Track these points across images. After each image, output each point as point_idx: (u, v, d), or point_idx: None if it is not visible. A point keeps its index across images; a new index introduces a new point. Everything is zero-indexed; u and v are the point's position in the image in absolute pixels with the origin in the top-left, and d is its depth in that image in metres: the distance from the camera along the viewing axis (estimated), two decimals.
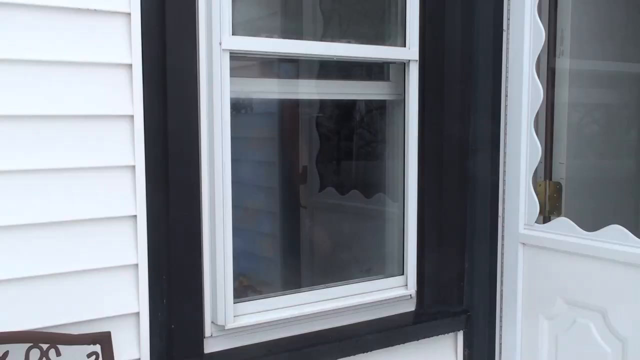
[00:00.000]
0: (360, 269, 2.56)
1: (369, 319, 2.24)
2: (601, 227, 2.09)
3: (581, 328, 2.17)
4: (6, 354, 1.57)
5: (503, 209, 2.38)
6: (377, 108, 2.52)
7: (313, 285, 2.25)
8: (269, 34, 2.09)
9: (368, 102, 2.63)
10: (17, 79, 1.59)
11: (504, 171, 2.36)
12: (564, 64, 2.55)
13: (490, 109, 2.34)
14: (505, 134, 2.35)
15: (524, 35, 2.26)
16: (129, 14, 1.71)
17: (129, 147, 1.74)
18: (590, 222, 2.15)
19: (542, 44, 2.24)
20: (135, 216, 1.75)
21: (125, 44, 1.71)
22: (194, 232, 1.86)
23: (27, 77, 1.60)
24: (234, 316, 1.93)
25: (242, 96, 2.04)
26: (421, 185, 2.28)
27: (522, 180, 2.31)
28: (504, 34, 2.32)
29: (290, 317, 2.05)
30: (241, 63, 1.96)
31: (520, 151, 2.30)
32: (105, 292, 1.74)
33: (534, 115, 2.28)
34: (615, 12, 2.81)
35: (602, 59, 2.77)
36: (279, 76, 2.19)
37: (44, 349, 1.59)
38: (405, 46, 2.21)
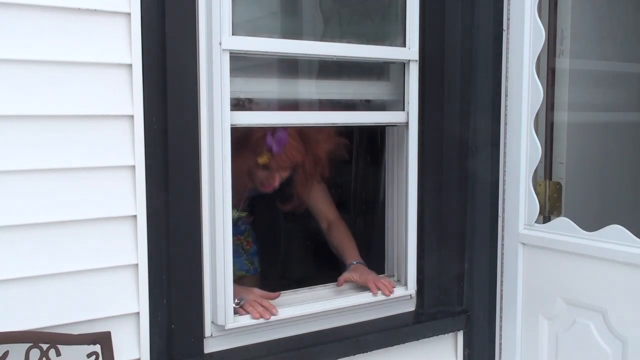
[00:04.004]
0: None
1: (369, 319, 2.24)
2: (601, 227, 2.09)
3: (581, 328, 2.17)
4: (6, 354, 1.57)
5: (503, 209, 2.38)
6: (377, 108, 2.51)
7: (313, 285, 2.25)
8: (269, 34, 2.09)
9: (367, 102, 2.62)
10: (17, 79, 1.59)
11: (504, 171, 2.36)
12: (564, 64, 2.55)
13: (490, 109, 2.34)
14: (505, 134, 2.35)
15: (524, 35, 2.26)
16: (129, 14, 1.71)
17: (129, 147, 1.74)
18: (590, 222, 2.15)
19: (542, 44, 2.24)
20: (135, 216, 1.75)
21: (125, 44, 1.71)
22: (194, 232, 1.86)
23: (26, 77, 1.60)
24: (234, 316, 1.93)
25: (242, 96, 2.04)
26: (421, 185, 2.28)
27: (522, 180, 2.31)
28: (504, 33, 2.32)
29: (290, 317, 2.05)
30: (241, 63, 1.96)
31: (520, 151, 2.30)
32: (105, 292, 1.74)
33: (534, 115, 2.28)
34: (615, 12, 2.81)
35: (602, 58, 2.77)
36: (278, 76, 2.19)
37: (44, 349, 1.59)
38: (405, 46, 2.21)
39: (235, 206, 2.34)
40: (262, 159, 2.18)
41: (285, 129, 2.17)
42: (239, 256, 2.47)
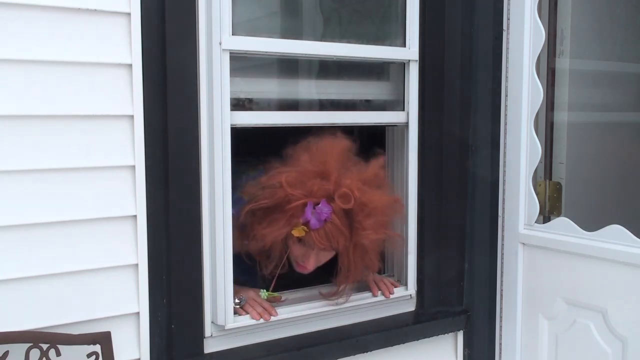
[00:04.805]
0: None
1: (369, 319, 2.24)
2: (601, 227, 2.09)
3: (581, 328, 2.17)
4: (6, 354, 1.57)
5: (503, 209, 2.38)
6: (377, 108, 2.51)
7: (313, 285, 2.25)
8: (269, 34, 2.09)
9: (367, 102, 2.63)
10: (17, 79, 1.59)
11: (504, 171, 2.36)
12: (564, 64, 2.55)
13: (490, 109, 2.34)
14: (505, 134, 2.35)
15: (524, 35, 2.26)
16: (129, 14, 1.71)
17: (129, 147, 1.74)
18: (590, 222, 2.15)
19: (542, 44, 2.24)
20: (135, 216, 1.75)
21: (125, 44, 1.71)
22: (194, 232, 1.86)
23: (26, 77, 1.60)
24: (234, 316, 1.93)
25: (242, 96, 2.05)
26: (421, 185, 2.28)
27: (522, 180, 2.31)
28: (504, 33, 2.33)
29: (290, 317, 2.05)
30: (241, 63, 1.97)
31: (520, 151, 2.30)
32: (105, 292, 1.74)
33: (534, 115, 2.29)
34: (615, 12, 2.81)
35: (602, 58, 2.77)
36: (278, 76, 2.20)
37: (44, 349, 1.59)
38: (405, 46, 2.21)
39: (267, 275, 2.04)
40: (297, 232, 1.88)
41: (330, 203, 1.87)
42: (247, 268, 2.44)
